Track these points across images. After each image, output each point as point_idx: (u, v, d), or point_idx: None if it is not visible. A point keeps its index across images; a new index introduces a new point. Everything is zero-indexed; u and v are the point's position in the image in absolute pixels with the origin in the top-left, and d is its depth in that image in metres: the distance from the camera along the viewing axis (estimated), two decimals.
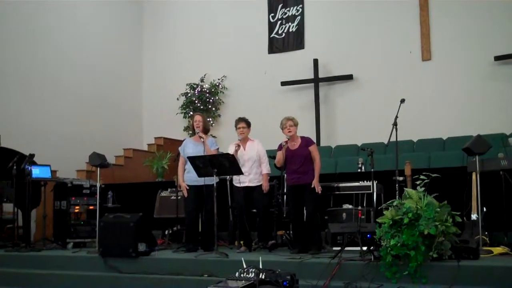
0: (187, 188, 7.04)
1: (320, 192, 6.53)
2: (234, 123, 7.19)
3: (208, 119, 7.53)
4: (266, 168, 7.10)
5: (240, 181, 6.91)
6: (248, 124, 7.15)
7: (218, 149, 7.26)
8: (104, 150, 8.34)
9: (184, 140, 7.57)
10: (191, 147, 7.15)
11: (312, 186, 6.46)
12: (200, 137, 7.04)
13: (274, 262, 5.48)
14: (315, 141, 7.72)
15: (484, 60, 10.38)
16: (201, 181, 6.76)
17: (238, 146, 6.93)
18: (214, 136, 10.14)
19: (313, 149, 6.65)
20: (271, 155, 7.37)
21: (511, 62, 10.18)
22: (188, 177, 7.05)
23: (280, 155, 6.69)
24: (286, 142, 6.64)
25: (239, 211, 7.08)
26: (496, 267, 4.86)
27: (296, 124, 6.71)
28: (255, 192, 7.00)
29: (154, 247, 6.64)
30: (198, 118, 7.21)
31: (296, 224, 6.66)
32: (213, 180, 6.47)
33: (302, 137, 6.78)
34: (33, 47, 10.85)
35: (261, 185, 7.02)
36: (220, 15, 13.06)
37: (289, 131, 6.64)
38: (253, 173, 7.02)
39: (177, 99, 12.83)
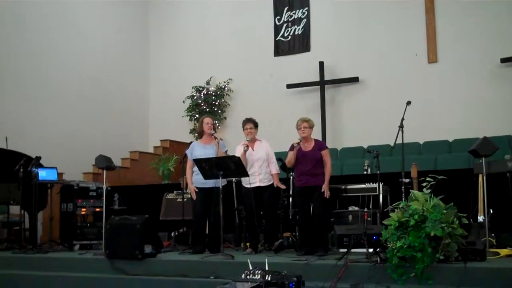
0: (196, 190, 7.04)
1: (328, 196, 6.52)
2: (242, 124, 7.20)
3: (214, 122, 7.53)
4: (275, 168, 7.11)
5: (250, 181, 6.86)
6: (256, 125, 7.17)
7: (227, 151, 7.27)
8: (111, 152, 8.37)
9: (191, 142, 7.57)
10: (199, 150, 7.13)
11: (322, 190, 6.46)
12: (215, 137, 7.06)
13: (280, 264, 5.47)
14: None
15: (490, 62, 10.35)
16: (209, 183, 6.75)
17: (247, 147, 6.93)
18: (221, 139, 10.15)
19: (325, 153, 6.65)
20: (278, 157, 7.38)
21: None
22: (196, 179, 7.03)
23: (291, 155, 6.67)
24: (298, 143, 6.62)
25: (249, 212, 7.04)
26: (503, 268, 4.85)
27: (311, 126, 6.71)
28: (265, 192, 7.00)
29: (160, 249, 6.67)
30: (209, 120, 7.24)
31: (303, 226, 6.65)
32: (221, 182, 6.48)
33: (316, 140, 6.79)
34: (39, 50, 10.91)
35: (270, 185, 7.03)
36: (225, 18, 13.09)
37: (303, 132, 6.65)
38: (263, 172, 7.04)
39: (183, 101, 12.87)
